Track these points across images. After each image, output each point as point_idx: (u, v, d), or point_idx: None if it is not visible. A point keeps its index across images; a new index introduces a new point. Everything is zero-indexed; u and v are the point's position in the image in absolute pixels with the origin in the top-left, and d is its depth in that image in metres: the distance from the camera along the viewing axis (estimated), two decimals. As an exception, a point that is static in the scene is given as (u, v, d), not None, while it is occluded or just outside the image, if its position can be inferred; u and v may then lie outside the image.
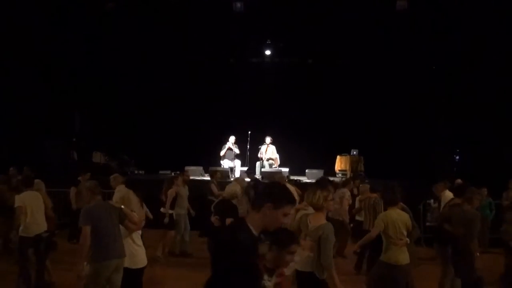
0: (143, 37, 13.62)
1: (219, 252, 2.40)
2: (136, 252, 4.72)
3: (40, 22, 12.11)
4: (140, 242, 4.84)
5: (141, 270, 4.78)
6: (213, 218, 5.52)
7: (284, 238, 2.90)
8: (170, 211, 7.85)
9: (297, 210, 4.50)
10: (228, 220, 5.19)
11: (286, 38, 14.31)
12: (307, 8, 12.33)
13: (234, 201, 5.51)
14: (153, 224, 10.57)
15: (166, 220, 7.78)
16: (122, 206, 4.69)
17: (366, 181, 8.94)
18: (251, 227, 2.46)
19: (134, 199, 4.99)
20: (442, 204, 8.23)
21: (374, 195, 7.03)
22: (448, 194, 8.23)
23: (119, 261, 4.44)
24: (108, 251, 4.35)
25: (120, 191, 6.69)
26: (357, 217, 7.55)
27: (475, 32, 11.80)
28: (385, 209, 5.01)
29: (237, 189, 5.70)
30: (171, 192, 7.85)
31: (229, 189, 5.71)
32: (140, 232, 4.90)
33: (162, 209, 7.86)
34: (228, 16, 12.70)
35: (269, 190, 2.59)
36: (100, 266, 4.31)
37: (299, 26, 12.99)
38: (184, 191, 8.35)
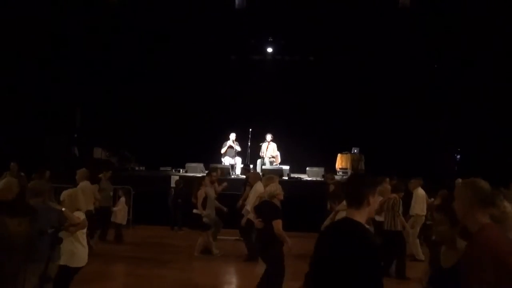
0: (144, 33, 13.61)
1: (357, 259, 2.30)
2: (77, 251, 4.71)
3: (42, 17, 12.10)
4: (84, 241, 4.83)
5: (77, 269, 4.76)
6: (256, 221, 5.44)
7: None
8: (204, 212, 8.06)
9: (337, 212, 4.45)
10: (277, 222, 5.09)
11: (287, 35, 14.28)
12: (309, 6, 12.30)
13: (274, 201, 5.38)
14: (155, 221, 10.73)
15: (206, 220, 8.06)
16: (63, 209, 4.62)
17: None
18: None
19: (81, 198, 4.95)
20: (414, 201, 8.32)
21: (394, 195, 7.11)
22: (420, 192, 8.33)
23: (50, 264, 4.34)
24: (38, 255, 4.23)
25: (85, 186, 6.74)
26: (377, 218, 7.58)
27: (477, 30, 11.75)
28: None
29: (279, 188, 5.53)
30: (200, 193, 8.14)
31: (269, 189, 5.56)
32: (85, 230, 4.89)
33: (194, 211, 8.21)
34: (230, 13, 12.67)
35: (365, 181, 2.61)
36: (29, 269, 4.21)
37: (301, 23, 12.96)
38: (212, 192, 8.50)
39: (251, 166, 13.10)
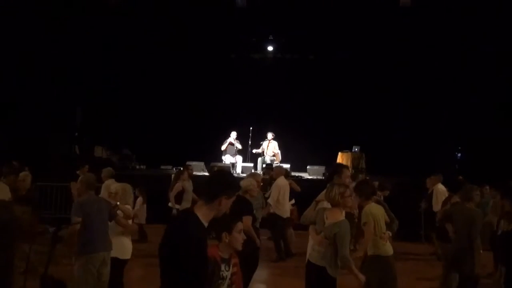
0: (145, 32, 13.60)
1: (174, 247, 2.38)
2: (125, 244, 4.94)
3: (42, 17, 12.09)
4: (129, 235, 5.04)
5: (126, 261, 5.01)
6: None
7: (228, 221, 2.95)
8: (177, 206, 8.06)
9: (317, 202, 4.42)
10: (246, 219, 5.09)
11: (288, 34, 14.27)
12: (309, 4, 12.29)
13: (247, 196, 5.37)
14: (156, 220, 10.72)
15: (175, 212, 8.06)
16: (118, 203, 4.78)
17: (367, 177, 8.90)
18: (201, 219, 2.47)
19: (131, 193, 5.12)
20: (434, 198, 8.14)
21: (378, 193, 7.05)
22: (441, 187, 8.18)
23: (105, 254, 4.59)
24: (95, 245, 4.47)
25: (112, 184, 6.76)
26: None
27: (478, 29, 11.74)
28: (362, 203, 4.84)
29: (252, 184, 5.55)
30: (176, 187, 8.17)
31: (243, 184, 5.59)
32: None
33: (169, 204, 8.22)
34: (230, 12, 12.66)
35: (225, 181, 2.58)
36: (88, 258, 4.43)
37: (301, 22, 12.94)
38: (189, 185, 8.51)
39: (252, 164, 13.14)
